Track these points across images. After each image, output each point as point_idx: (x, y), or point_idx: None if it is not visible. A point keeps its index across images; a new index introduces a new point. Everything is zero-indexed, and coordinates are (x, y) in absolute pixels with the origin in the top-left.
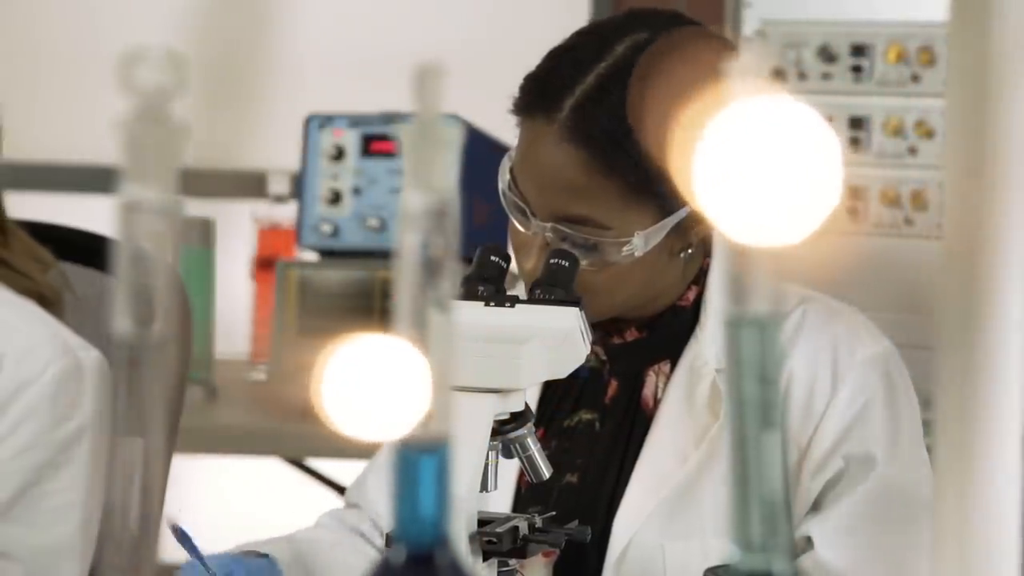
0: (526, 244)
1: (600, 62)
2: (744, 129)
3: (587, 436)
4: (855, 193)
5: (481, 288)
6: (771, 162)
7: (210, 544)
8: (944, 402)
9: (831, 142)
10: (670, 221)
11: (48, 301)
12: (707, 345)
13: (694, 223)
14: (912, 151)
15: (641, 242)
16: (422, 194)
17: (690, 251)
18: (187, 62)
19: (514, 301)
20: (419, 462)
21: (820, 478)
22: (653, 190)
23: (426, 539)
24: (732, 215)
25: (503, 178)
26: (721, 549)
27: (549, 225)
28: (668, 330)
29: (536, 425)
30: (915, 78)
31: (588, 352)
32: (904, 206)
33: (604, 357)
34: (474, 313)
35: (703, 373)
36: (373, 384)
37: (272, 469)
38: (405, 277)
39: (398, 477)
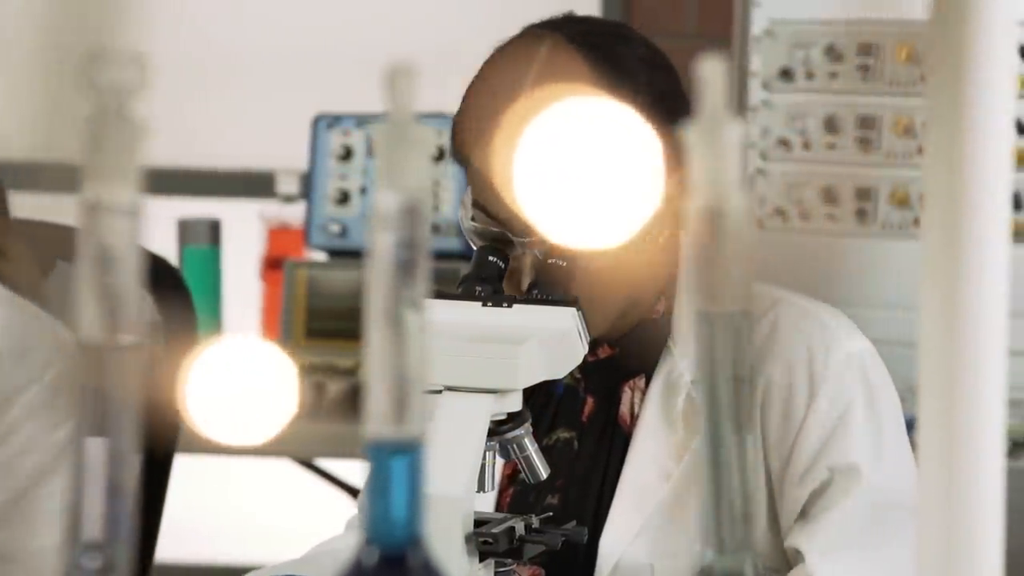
0: (515, 269)
1: (528, 71)
2: (563, 133)
3: (566, 455)
4: (864, 194)
5: (479, 288)
6: (590, 165)
7: (218, 546)
8: (927, 401)
9: (651, 145)
10: None
11: (49, 303)
12: (681, 357)
13: (674, 196)
14: (922, 151)
15: None
16: (395, 194)
17: (666, 232)
18: (148, 61)
19: (511, 301)
20: (392, 462)
21: (805, 487)
22: None
23: (398, 540)
24: (552, 217)
25: (466, 218)
26: None
27: (537, 237)
28: (640, 345)
29: None
30: (924, 77)
31: (585, 351)
32: (914, 206)
33: (579, 375)
34: (471, 313)
35: (679, 386)
36: (235, 387)
37: (282, 469)
38: (378, 277)
39: (371, 477)
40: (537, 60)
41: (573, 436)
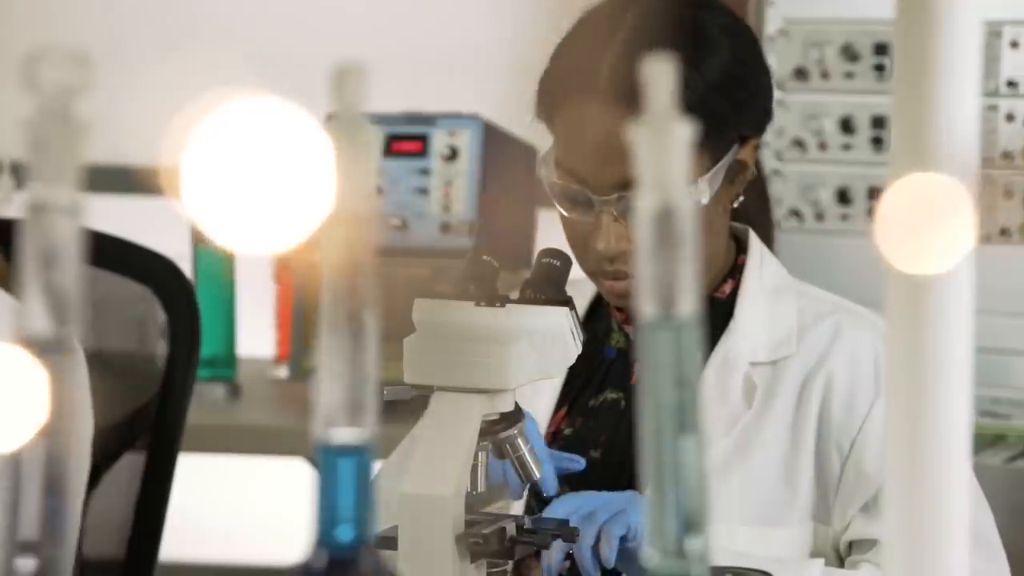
0: (592, 229)
1: (617, 32)
2: (231, 134)
3: (612, 414)
4: (877, 194)
5: (472, 288)
6: (258, 167)
7: (235, 546)
8: (894, 398)
9: (322, 148)
10: (724, 162)
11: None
12: (742, 339)
13: (741, 168)
14: None
15: (705, 186)
16: (346, 194)
17: (740, 198)
18: (90, 60)
19: (504, 301)
20: (340, 464)
21: (872, 484)
22: (704, 133)
23: (348, 542)
24: (220, 221)
25: (548, 175)
26: (747, 536)
27: (614, 197)
28: (701, 320)
29: (560, 404)
30: None
31: (579, 352)
32: None
33: (634, 339)
34: (464, 313)
35: (737, 365)
36: None
37: (297, 469)
38: (332, 277)
39: (319, 479)
40: (623, 27)
41: (620, 396)
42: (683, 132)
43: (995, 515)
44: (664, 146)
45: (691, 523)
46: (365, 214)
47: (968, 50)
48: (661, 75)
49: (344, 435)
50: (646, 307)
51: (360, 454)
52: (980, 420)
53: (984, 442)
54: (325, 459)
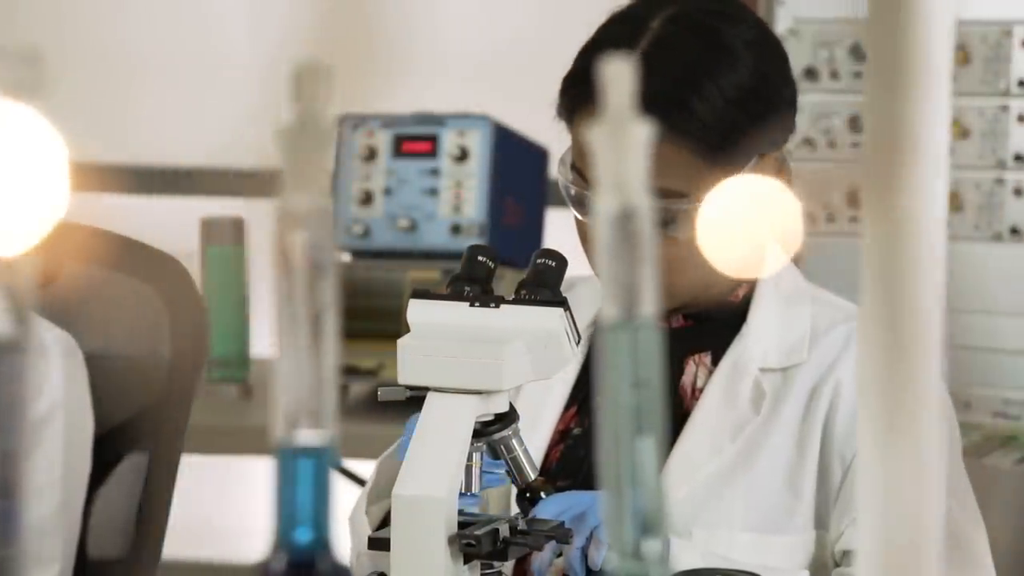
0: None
1: (639, 39)
2: None
3: None
4: None
5: (467, 288)
6: None
7: (246, 546)
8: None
9: (56, 150)
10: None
11: (52, 307)
12: (753, 343)
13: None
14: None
15: None
16: (305, 194)
17: None
18: (43, 60)
19: (499, 301)
20: (298, 464)
21: None
22: (720, 148)
23: (308, 545)
24: None
25: (565, 177)
26: (749, 542)
27: None
28: (714, 323)
29: (570, 404)
30: None
31: (575, 353)
32: None
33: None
34: (458, 313)
35: (748, 370)
36: None
37: None
38: (292, 278)
39: (278, 480)
40: (646, 35)
41: None
42: (642, 133)
43: (1005, 517)
44: (623, 147)
45: (648, 525)
46: (322, 213)
47: (940, 49)
48: (619, 75)
49: (303, 437)
50: (606, 308)
51: (319, 456)
52: (990, 421)
53: (994, 443)
54: (284, 460)
